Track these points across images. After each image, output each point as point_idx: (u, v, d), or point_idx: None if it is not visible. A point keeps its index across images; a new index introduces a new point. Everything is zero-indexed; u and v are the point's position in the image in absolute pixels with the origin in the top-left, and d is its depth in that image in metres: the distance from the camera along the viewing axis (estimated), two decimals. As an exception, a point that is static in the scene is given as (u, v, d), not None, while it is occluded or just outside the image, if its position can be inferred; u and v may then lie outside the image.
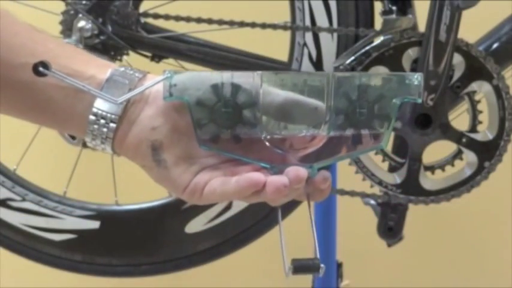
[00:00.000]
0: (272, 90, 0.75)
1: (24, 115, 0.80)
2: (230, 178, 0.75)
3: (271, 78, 0.75)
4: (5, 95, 0.77)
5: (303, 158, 0.76)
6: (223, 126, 0.75)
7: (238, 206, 1.40)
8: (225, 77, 0.75)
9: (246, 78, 0.75)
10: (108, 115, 0.76)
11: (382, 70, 1.28)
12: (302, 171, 0.73)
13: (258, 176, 0.73)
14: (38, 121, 0.80)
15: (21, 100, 0.78)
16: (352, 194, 1.34)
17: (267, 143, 0.76)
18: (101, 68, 0.77)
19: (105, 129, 0.76)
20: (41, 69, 0.73)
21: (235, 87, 0.75)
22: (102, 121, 0.76)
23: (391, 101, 0.76)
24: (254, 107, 0.75)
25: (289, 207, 1.41)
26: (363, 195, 1.34)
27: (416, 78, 0.76)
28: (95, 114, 0.76)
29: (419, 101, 0.77)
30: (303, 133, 0.76)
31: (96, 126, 0.76)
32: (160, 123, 0.76)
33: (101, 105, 0.76)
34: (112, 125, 0.76)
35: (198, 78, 0.75)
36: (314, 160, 0.76)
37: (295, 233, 1.91)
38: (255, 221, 1.42)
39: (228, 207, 1.40)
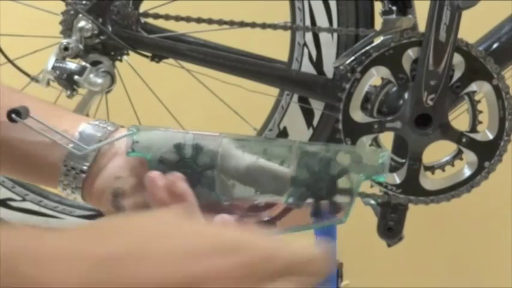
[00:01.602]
0: (237, 154, 0.76)
1: None
2: None
3: (232, 143, 0.76)
4: None
5: (261, 224, 0.77)
6: None
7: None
8: (187, 137, 0.76)
9: (208, 141, 0.76)
10: (78, 166, 0.78)
11: (382, 70, 1.28)
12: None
13: None
14: (11, 173, 0.85)
15: None
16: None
17: (225, 207, 0.76)
18: (74, 122, 0.80)
19: (75, 179, 0.79)
20: (13, 116, 0.75)
21: (197, 149, 0.75)
22: (73, 172, 0.79)
23: (354, 177, 0.75)
24: (214, 169, 0.75)
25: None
26: (363, 195, 1.34)
27: (382, 156, 0.75)
28: (66, 165, 0.78)
29: (384, 180, 0.75)
30: (262, 199, 0.76)
31: (66, 177, 0.79)
32: (125, 174, 0.78)
33: (71, 156, 0.78)
34: (82, 175, 0.78)
35: (162, 136, 0.77)
36: (271, 227, 0.77)
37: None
38: (255, 221, 1.42)
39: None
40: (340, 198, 0.75)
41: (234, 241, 0.57)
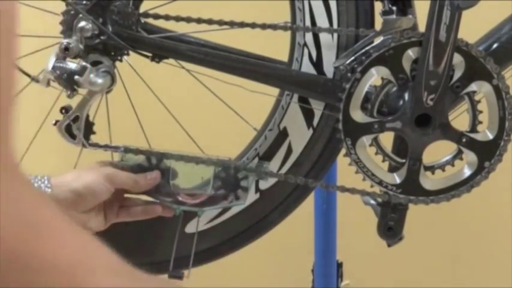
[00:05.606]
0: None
1: None
2: None
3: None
4: None
5: (194, 205, 1.33)
6: None
7: (238, 206, 1.40)
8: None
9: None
10: None
11: (382, 70, 1.28)
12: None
13: None
14: None
15: None
16: (352, 191, 1.34)
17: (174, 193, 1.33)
18: None
19: None
20: None
21: (159, 159, 1.32)
22: None
23: (248, 178, 1.31)
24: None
25: (288, 207, 1.41)
26: (364, 193, 1.34)
27: (266, 167, 1.33)
28: None
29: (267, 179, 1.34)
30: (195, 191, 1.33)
31: None
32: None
33: None
34: None
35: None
36: (201, 206, 1.33)
37: (294, 232, 1.91)
38: (255, 221, 1.42)
39: (228, 208, 1.40)
40: (240, 192, 1.33)
41: None
